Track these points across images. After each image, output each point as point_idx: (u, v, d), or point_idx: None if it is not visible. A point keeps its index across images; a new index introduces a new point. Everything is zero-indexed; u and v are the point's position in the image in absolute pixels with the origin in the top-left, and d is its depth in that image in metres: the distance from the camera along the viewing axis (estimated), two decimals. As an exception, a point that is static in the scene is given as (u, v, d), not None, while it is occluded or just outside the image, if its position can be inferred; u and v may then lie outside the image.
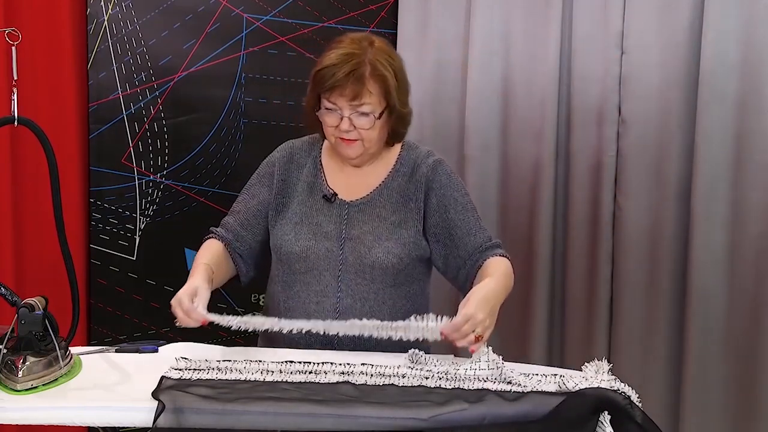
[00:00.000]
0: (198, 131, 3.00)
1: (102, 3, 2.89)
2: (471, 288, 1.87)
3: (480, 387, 1.63)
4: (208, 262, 1.98)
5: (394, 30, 3.01)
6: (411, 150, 2.09)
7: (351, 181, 2.06)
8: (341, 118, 1.93)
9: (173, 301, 1.82)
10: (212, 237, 2.09)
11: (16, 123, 1.72)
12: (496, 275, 1.91)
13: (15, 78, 1.71)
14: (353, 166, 2.06)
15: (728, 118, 2.77)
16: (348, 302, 1.97)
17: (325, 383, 1.65)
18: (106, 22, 2.89)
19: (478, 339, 1.73)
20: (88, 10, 2.89)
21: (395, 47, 2.99)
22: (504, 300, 1.91)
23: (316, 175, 2.07)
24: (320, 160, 2.09)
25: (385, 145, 2.05)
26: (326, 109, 1.95)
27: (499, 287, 1.88)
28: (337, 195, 2.03)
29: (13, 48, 1.72)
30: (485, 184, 2.99)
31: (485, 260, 1.99)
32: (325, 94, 1.94)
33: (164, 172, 2.99)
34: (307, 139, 2.14)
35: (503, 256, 2.02)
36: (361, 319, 1.87)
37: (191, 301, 1.80)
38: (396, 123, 2.00)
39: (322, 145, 2.11)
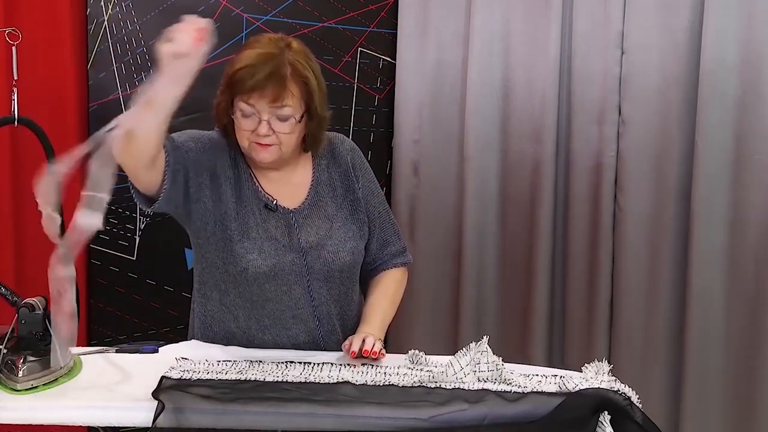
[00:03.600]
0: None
1: (102, 3, 2.89)
2: (365, 287, 2.04)
3: (480, 387, 1.63)
4: None
5: (394, 30, 3.01)
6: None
7: (282, 186, 1.95)
8: (259, 122, 1.83)
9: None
10: None
11: (16, 123, 1.72)
12: (390, 295, 2.04)
13: (15, 78, 1.71)
14: (268, 168, 1.94)
15: (728, 118, 2.78)
16: (324, 309, 1.96)
17: (325, 383, 1.65)
18: (106, 22, 2.89)
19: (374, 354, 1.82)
20: (88, 10, 2.89)
21: (395, 47, 3.00)
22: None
23: (246, 181, 1.92)
24: (245, 164, 1.94)
25: (301, 152, 1.96)
26: (242, 112, 1.84)
27: (392, 308, 2.04)
28: (277, 203, 1.93)
29: (14, 48, 1.72)
30: (485, 184, 2.99)
31: (387, 269, 2.06)
32: (243, 96, 1.83)
33: (164, 172, 2.98)
34: (218, 134, 1.97)
35: (404, 264, 2.09)
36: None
37: None
38: (315, 128, 1.90)
39: (237, 147, 1.93)
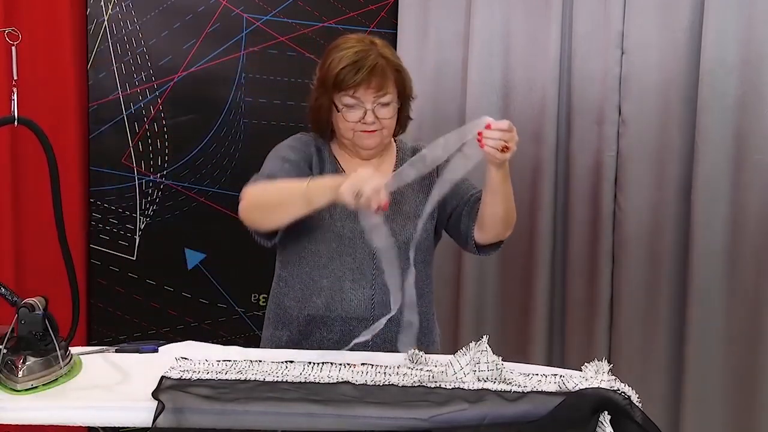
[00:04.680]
0: (198, 131, 3.00)
1: (102, 3, 2.89)
2: (474, 224, 2.12)
3: (480, 387, 1.63)
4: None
5: (394, 30, 3.01)
6: (401, 142, 2.22)
7: None
8: (365, 112, 2.01)
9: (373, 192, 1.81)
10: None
11: (16, 123, 1.72)
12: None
13: (15, 78, 1.71)
14: (364, 159, 2.10)
15: (728, 118, 2.78)
16: (383, 279, 1.98)
17: (325, 383, 1.65)
18: (106, 22, 2.89)
19: (505, 149, 1.96)
20: (88, 10, 2.89)
21: (395, 47, 3.00)
22: (509, 197, 2.16)
23: (335, 170, 2.10)
24: (335, 157, 2.13)
25: (389, 144, 2.14)
26: (347, 106, 2.01)
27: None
28: None
29: (13, 48, 1.71)
30: (485, 184, 2.99)
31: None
32: (347, 91, 2.00)
33: (164, 172, 2.99)
34: (312, 136, 2.16)
35: None
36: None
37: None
38: (407, 110, 2.12)
39: (329, 143, 2.14)
